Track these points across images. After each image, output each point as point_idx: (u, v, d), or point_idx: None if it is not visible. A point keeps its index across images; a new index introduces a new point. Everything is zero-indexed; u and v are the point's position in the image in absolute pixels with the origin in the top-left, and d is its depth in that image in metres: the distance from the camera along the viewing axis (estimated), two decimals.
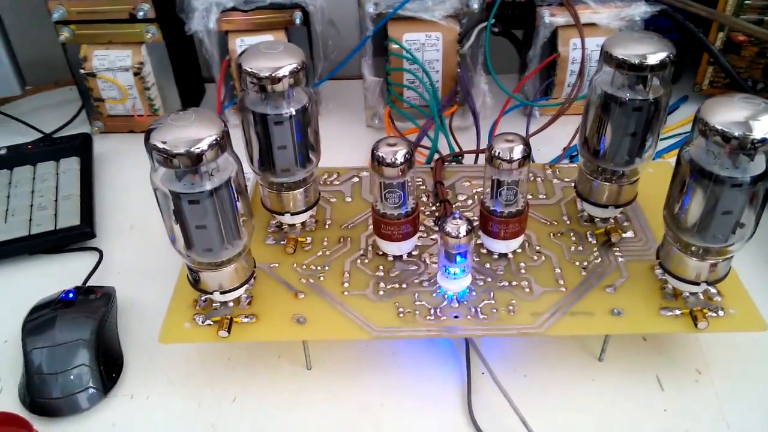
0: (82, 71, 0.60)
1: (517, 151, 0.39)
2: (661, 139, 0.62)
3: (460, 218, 0.38)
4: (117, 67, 0.60)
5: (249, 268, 0.41)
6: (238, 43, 0.61)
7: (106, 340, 0.43)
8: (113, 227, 0.55)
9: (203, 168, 0.34)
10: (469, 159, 0.57)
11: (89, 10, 0.58)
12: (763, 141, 0.33)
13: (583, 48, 0.59)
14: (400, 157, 0.39)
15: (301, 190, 0.45)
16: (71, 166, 0.57)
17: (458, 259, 0.39)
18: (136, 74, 0.60)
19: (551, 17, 0.59)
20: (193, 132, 0.34)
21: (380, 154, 0.40)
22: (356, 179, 0.51)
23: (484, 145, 0.58)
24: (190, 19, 0.59)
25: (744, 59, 0.64)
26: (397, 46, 0.58)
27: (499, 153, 0.39)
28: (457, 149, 0.58)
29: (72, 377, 0.40)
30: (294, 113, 0.41)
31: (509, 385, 0.40)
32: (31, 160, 0.58)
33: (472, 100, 0.60)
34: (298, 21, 0.60)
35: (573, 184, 0.47)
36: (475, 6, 0.57)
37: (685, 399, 0.40)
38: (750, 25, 0.59)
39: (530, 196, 0.48)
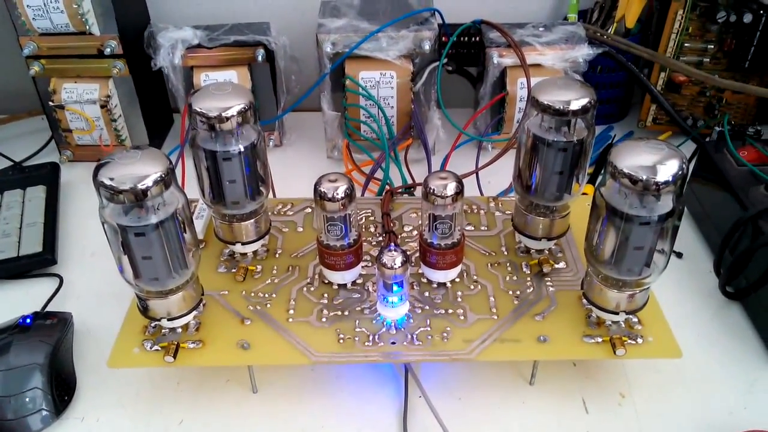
0: (51, 103, 0.62)
1: (450, 188, 0.42)
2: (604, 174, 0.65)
3: (395, 250, 0.41)
4: (84, 99, 0.62)
5: (196, 296, 0.43)
6: (203, 78, 0.63)
7: (60, 364, 0.45)
8: (74, 254, 0.57)
9: (148, 203, 0.37)
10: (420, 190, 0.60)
11: (58, 45, 0.61)
12: (666, 183, 0.36)
13: (529, 87, 0.62)
14: (340, 193, 0.42)
15: (252, 221, 0.47)
16: (37, 194, 0.59)
17: (395, 288, 0.42)
18: (103, 107, 0.63)
19: (500, 58, 0.63)
20: (138, 169, 0.36)
21: (322, 190, 0.42)
22: (309, 210, 0.53)
23: None
24: (156, 55, 0.62)
25: (685, 98, 0.68)
26: (353, 83, 0.61)
27: (433, 190, 0.42)
28: (410, 181, 0.61)
29: (25, 400, 0.42)
30: (242, 150, 0.43)
31: (444, 408, 0.42)
32: None
33: (424, 136, 0.63)
34: (260, 58, 0.63)
35: (511, 217, 0.50)
36: (426, 47, 0.61)
37: (607, 422, 0.42)
38: (688, 67, 0.63)
39: (472, 228, 0.51)
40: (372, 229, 0.51)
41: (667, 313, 0.44)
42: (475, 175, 0.60)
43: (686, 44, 0.65)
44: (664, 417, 0.43)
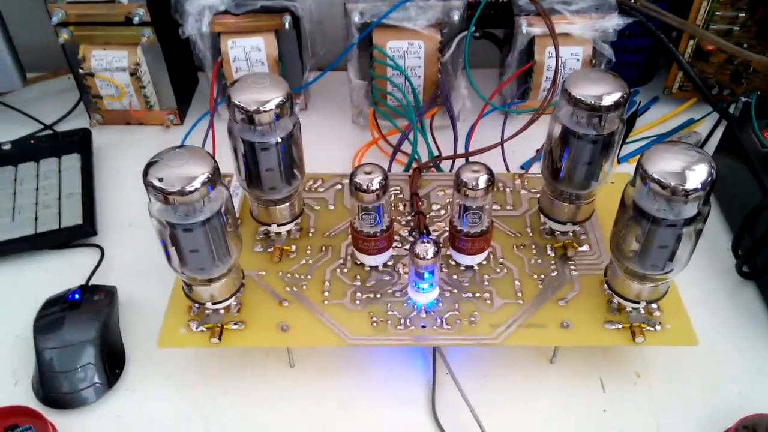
0: (80, 71, 0.63)
1: (482, 181, 0.43)
2: (629, 142, 0.66)
3: (428, 241, 0.43)
4: (114, 67, 0.63)
5: (238, 281, 0.45)
6: (230, 45, 0.63)
7: (110, 339, 0.48)
8: (113, 224, 0.59)
9: (196, 203, 0.38)
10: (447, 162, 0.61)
11: (87, 13, 0.61)
12: (694, 190, 0.37)
13: (557, 57, 0.61)
14: (375, 184, 0.43)
15: (287, 204, 0.49)
16: (72, 163, 0.61)
17: (426, 275, 0.44)
18: (132, 74, 0.63)
19: (528, 27, 0.62)
20: (186, 170, 0.38)
21: (358, 181, 0.44)
22: (339, 186, 0.55)
23: (461, 147, 0.62)
24: (184, 22, 0.62)
25: (713, 65, 0.67)
26: (381, 53, 0.61)
27: (465, 182, 0.43)
28: (435, 152, 0.62)
29: (79, 374, 0.45)
30: (279, 140, 0.44)
31: (470, 385, 0.45)
32: (34, 156, 0.62)
33: (450, 106, 0.63)
34: (287, 25, 0.63)
35: (537, 199, 0.51)
36: (455, 17, 0.60)
37: (623, 400, 0.45)
38: (718, 39, 0.62)
39: (498, 207, 0.53)
40: (401, 208, 0.53)
41: (683, 291, 0.46)
42: (500, 147, 0.61)
43: (717, 12, 0.64)
44: (676, 396, 0.45)
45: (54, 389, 0.45)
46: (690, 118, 0.68)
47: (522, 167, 0.64)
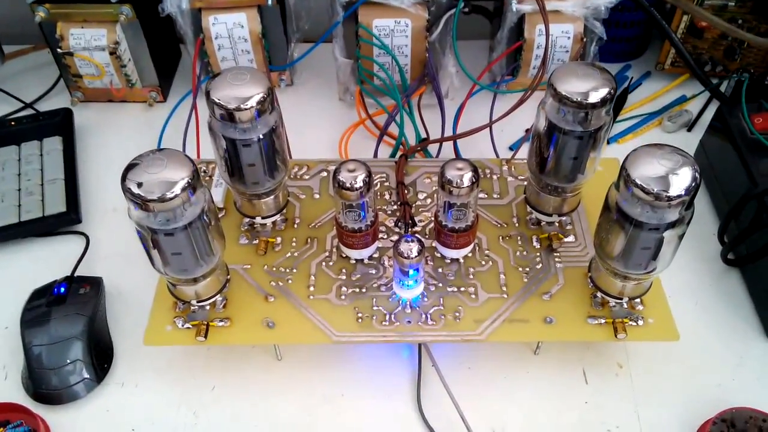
0: (59, 50, 0.61)
1: (466, 179, 0.43)
2: (619, 121, 0.65)
3: (412, 240, 0.42)
4: (93, 46, 0.61)
5: (223, 277, 0.45)
6: (212, 21, 0.62)
7: (97, 334, 0.48)
8: (97, 209, 0.58)
9: (177, 209, 0.38)
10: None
11: None
12: (678, 197, 0.37)
13: (548, 35, 0.60)
14: (359, 182, 0.43)
15: (272, 197, 0.48)
16: (54, 146, 0.60)
17: (411, 273, 0.44)
18: (112, 53, 0.62)
19: (518, 4, 0.61)
20: (165, 175, 0.37)
21: (341, 179, 0.43)
22: (324, 174, 0.54)
23: (449, 129, 0.61)
24: None
25: (706, 41, 0.66)
26: (366, 32, 0.60)
27: (450, 180, 0.43)
28: (423, 134, 0.61)
29: (68, 370, 0.45)
30: (261, 137, 0.44)
31: (454, 376, 0.46)
32: (15, 139, 0.60)
33: (438, 88, 0.62)
34: (269, 2, 0.61)
35: (524, 188, 0.51)
36: None
37: (604, 392, 0.46)
38: (708, 14, 0.61)
39: (485, 195, 0.52)
40: (387, 197, 0.52)
41: (667, 277, 0.46)
42: (489, 129, 0.60)
43: None
44: (657, 388, 0.46)
45: (43, 385, 0.45)
46: (682, 95, 0.67)
47: (511, 148, 0.63)
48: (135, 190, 0.37)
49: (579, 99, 0.41)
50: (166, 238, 0.39)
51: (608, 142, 0.63)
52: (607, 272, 0.43)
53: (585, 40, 0.62)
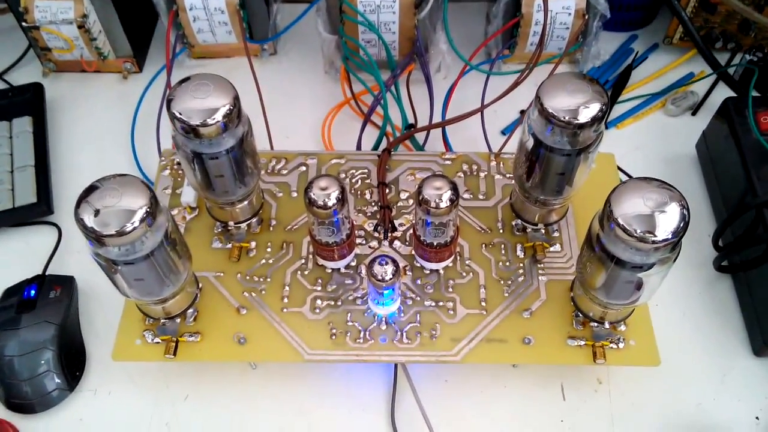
0: (24, 24, 0.58)
1: (445, 199, 0.40)
2: (620, 102, 0.62)
3: (386, 263, 0.41)
4: (60, 20, 0.57)
5: (192, 294, 0.44)
6: None
7: (68, 341, 0.47)
8: (70, 197, 0.56)
9: (136, 242, 0.36)
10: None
11: None
12: (664, 241, 0.34)
13: (546, 11, 0.55)
14: (332, 199, 0.41)
15: (245, 203, 0.46)
16: (24, 128, 0.57)
17: (386, 293, 0.42)
18: (80, 27, 0.58)
19: None
20: (123, 204, 0.35)
21: (312, 197, 0.41)
22: (303, 168, 0.52)
23: (437, 113, 0.58)
24: None
25: (720, 14, 0.61)
26: (351, 9, 0.55)
27: (427, 200, 0.40)
28: (410, 118, 0.58)
29: (40, 379, 0.45)
30: (229, 148, 0.41)
31: (431, 390, 0.45)
32: None
33: (427, 70, 0.58)
34: None
35: (510, 193, 0.49)
36: None
37: (581, 409, 0.45)
38: None
39: (470, 196, 0.50)
40: (368, 196, 0.50)
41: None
42: (480, 114, 0.57)
43: None
44: (635, 406, 0.45)
45: (14, 394, 0.45)
46: (689, 72, 0.63)
47: (503, 132, 0.60)
48: (89, 223, 0.35)
49: (567, 118, 0.38)
50: (126, 267, 0.37)
51: (606, 127, 0.60)
52: (590, 299, 0.41)
53: (587, 16, 0.58)
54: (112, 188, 0.36)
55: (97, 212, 0.35)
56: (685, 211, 0.35)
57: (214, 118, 0.39)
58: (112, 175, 0.37)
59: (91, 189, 0.36)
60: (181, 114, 0.39)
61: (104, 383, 0.47)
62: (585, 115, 0.38)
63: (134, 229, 0.35)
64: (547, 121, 0.39)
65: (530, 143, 0.41)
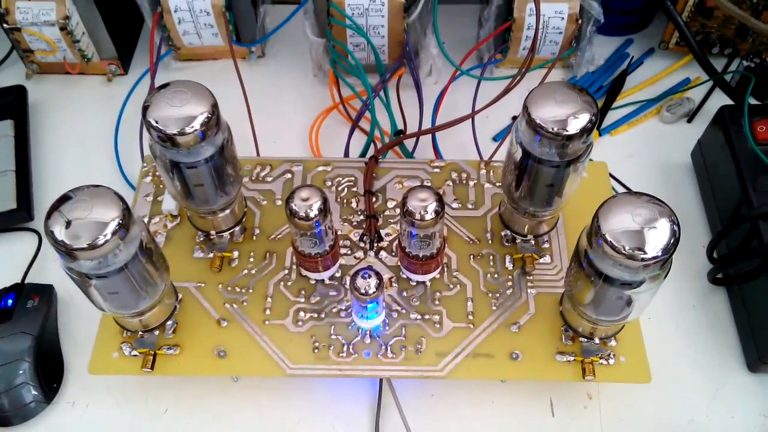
0: (5, 25, 0.56)
1: (430, 211, 0.39)
2: (614, 108, 0.61)
3: (369, 277, 0.39)
4: (41, 21, 0.56)
5: (170, 305, 0.43)
6: None
7: (46, 352, 0.46)
8: (50, 202, 0.54)
9: (108, 255, 0.35)
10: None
11: None
12: (653, 258, 0.33)
13: (538, 15, 0.54)
14: (314, 210, 0.40)
15: (227, 212, 0.45)
16: (5, 132, 0.56)
17: (369, 306, 0.41)
18: (62, 29, 0.56)
19: None
20: (94, 218, 0.34)
21: (293, 207, 0.40)
22: (288, 175, 0.50)
23: (427, 119, 0.57)
24: None
25: (717, 19, 0.60)
26: (338, 12, 0.54)
27: (411, 212, 0.39)
28: (399, 124, 0.57)
29: (17, 393, 0.44)
30: (208, 157, 0.40)
31: (417, 404, 0.44)
32: None
33: (416, 75, 0.57)
34: None
35: (500, 203, 0.48)
36: None
37: (571, 426, 0.44)
38: (725, 1, 0.55)
39: (459, 205, 0.49)
40: (354, 205, 0.49)
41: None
42: (471, 120, 0.56)
43: None
44: (626, 422, 0.44)
45: None
46: (686, 77, 0.62)
47: (495, 139, 0.59)
48: (59, 236, 0.34)
49: (556, 129, 0.37)
50: (99, 280, 0.36)
51: (600, 134, 0.59)
52: (579, 315, 0.40)
53: (580, 21, 0.57)
54: (83, 200, 0.35)
55: (68, 224, 0.34)
56: (676, 227, 0.34)
57: (192, 127, 0.38)
58: (85, 186, 0.35)
59: (62, 200, 0.35)
60: (157, 122, 0.38)
61: (82, 395, 0.46)
62: (574, 126, 0.37)
63: (106, 242, 0.34)
64: (535, 132, 0.38)
65: (518, 154, 0.40)
